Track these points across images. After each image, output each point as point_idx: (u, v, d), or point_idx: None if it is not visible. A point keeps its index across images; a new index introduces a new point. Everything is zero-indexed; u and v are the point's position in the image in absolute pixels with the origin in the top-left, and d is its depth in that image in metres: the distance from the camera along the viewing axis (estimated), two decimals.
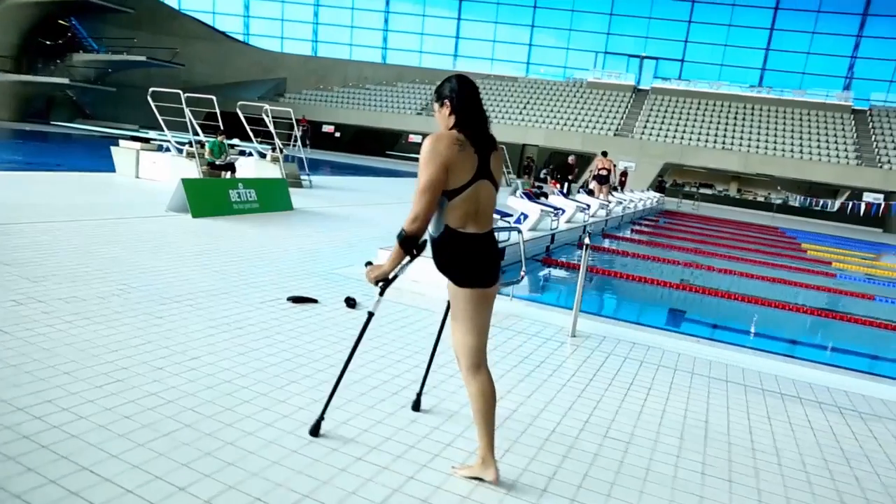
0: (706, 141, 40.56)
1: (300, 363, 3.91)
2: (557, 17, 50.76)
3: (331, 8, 52.51)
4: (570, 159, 17.66)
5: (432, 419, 3.38)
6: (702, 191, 39.90)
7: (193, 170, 12.81)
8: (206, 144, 12.96)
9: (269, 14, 53.28)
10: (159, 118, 13.22)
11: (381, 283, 2.76)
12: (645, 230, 17.11)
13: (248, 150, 16.21)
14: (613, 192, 18.06)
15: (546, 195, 23.76)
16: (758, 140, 40.03)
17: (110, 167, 13.86)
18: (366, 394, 3.59)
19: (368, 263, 2.85)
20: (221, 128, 13.29)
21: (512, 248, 8.90)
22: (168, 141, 13.43)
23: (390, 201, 15.41)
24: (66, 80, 35.43)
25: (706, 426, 3.80)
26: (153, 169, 13.53)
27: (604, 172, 17.21)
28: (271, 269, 6.45)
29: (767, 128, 40.94)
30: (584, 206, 13.67)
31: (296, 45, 53.11)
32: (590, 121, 43.35)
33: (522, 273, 6.58)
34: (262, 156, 15.45)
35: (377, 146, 45.94)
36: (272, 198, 10.44)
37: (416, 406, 3.44)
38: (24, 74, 35.53)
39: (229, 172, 12.90)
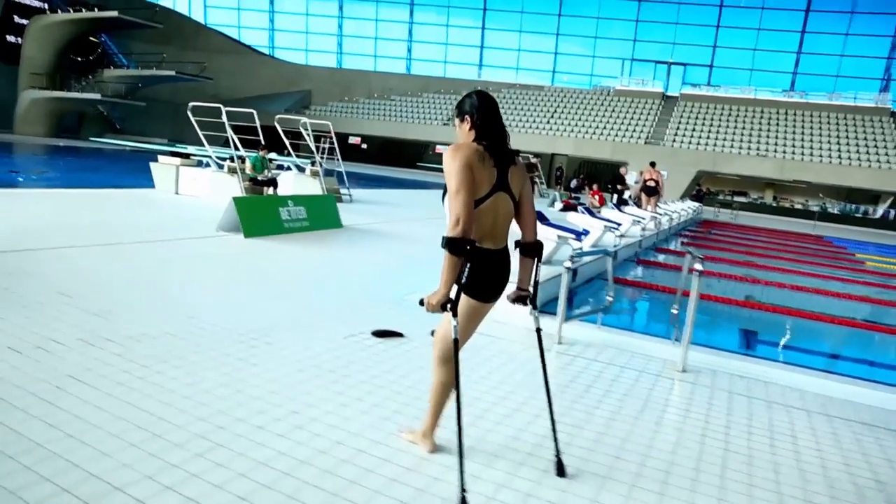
0: (740, 148, 39.70)
1: (412, 414, 3.43)
2: (583, 25, 50.30)
3: (355, 20, 52.58)
4: (622, 170, 17.07)
5: (586, 488, 2.88)
6: (736, 199, 38.99)
7: (235, 186, 12.48)
8: (248, 159, 12.62)
9: (293, 27, 53.48)
10: (199, 133, 12.94)
11: (448, 305, 2.56)
12: (700, 243, 16.46)
13: (286, 165, 15.89)
14: (660, 204, 17.44)
15: (585, 206, 23.40)
16: (793, 146, 39.08)
17: (147, 182, 13.60)
18: (497, 456, 3.09)
19: (421, 301, 2.62)
20: (262, 142, 12.96)
21: (583, 267, 8.45)
22: (208, 156, 13.13)
23: (433, 216, 14.94)
24: (97, 96, 35.68)
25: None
26: (193, 185, 13.24)
27: (651, 183, 16.61)
28: (341, 296, 6.01)
29: (803, 133, 39.99)
30: (639, 218, 13.10)
31: (320, 57, 53.24)
32: (619, 129, 42.70)
33: (610, 298, 6.09)
34: (301, 170, 15.11)
35: (403, 157, 45.72)
36: (321, 215, 10.04)
37: (560, 471, 2.95)
38: (57, 91, 35.83)
39: (272, 188, 12.56)
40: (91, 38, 42.63)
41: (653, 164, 16.98)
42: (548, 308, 5.92)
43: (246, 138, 13.18)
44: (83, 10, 37.59)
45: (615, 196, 16.97)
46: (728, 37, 48.46)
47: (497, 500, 2.66)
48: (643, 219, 13.46)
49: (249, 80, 49.85)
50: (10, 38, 38.68)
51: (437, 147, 43.74)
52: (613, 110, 44.94)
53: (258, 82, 49.97)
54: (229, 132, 12.88)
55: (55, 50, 37.24)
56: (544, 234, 8.05)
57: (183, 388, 3.43)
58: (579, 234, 9.52)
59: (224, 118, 12.51)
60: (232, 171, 12.59)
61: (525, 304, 2.88)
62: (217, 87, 46.52)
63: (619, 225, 11.41)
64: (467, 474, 2.62)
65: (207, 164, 13.43)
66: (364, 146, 45.36)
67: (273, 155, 13.67)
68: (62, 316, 4.44)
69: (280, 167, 15.95)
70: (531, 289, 2.86)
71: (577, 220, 10.51)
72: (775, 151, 38.98)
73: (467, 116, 2.69)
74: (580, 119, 44.23)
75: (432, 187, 27.36)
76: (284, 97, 49.03)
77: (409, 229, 11.85)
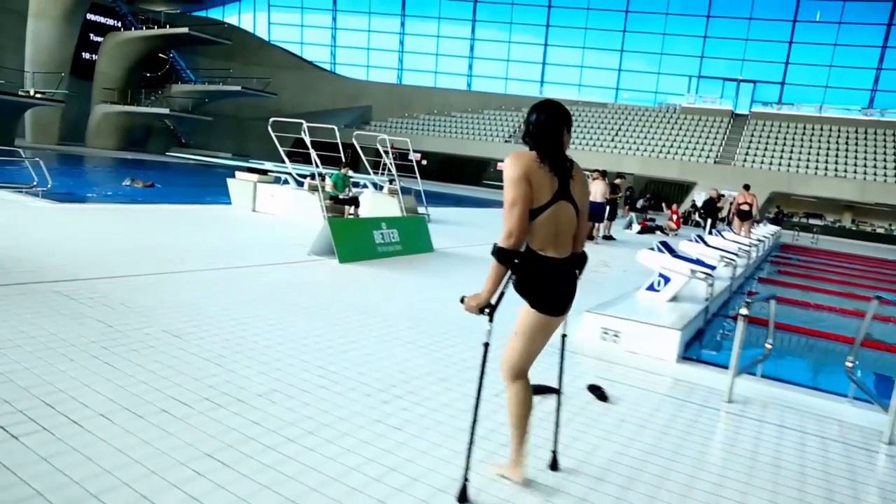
0: (815, 168, 37.79)
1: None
2: (648, 41, 49.04)
3: (416, 36, 52.61)
4: (714, 193, 16.01)
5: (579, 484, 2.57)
6: (811, 221, 37.03)
7: (315, 204, 12.01)
8: (330, 177, 12.16)
9: (354, 43, 53.84)
10: (280, 149, 12.55)
11: (486, 310, 2.59)
12: (788, 270, 15.26)
13: (362, 182, 15.42)
14: (753, 229, 16.29)
15: (661, 229, 22.32)
16: (874, 167, 36.97)
17: (221, 198, 13.29)
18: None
19: (462, 299, 2.63)
20: (343, 159, 12.49)
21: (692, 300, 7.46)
22: (288, 173, 12.73)
23: None
24: (166, 111, 36.43)
25: None
26: (271, 202, 12.86)
27: (746, 207, 15.54)
28: (466, 339, 5.32)
29: (885, 153, 37.79)
30: (747, 247, 11.97)
31: (381, 73, 53.38)
32: (686, 147, 41.27)
33: (769, 345, 5.19)
34: (378, 188, 14.61)
35: (464, 174, 45.22)
36: (414, 238, 9.43)
37: (554, 465, 3.07)
38: (128, 105, 36.71)
39: (353, 208, 12.06)
40: (160, 55, 43.76)
41: (747, 188, 15.90)
42: (692, 353, 5.11)
43: (296, 151, 12.73)
44: (155, 27, 38.54)
45: (709, 220, 15.91)
46: (801, 53, 46.51)
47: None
48: (750, 247, 12.40)
49: (311, 95, 50.28)
50: (86, 55, 39.93)
51: (499, 164, 43.09)
52: (680, 128, 43.52)
53: (319, 98, 50.35)
54: (311, 149, 12.45)
55: (127, 66, 38.30)
56: (675, 267, 7.19)
57: (346, 474, 2.76)
58: (713, 268, 8.48)
59: (305, 134, 12.08)
60: (313, 188, 12.13)
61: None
62: (279, 103, 47.05)
63: (737, 255, 10.38)
64: None
65: (286, 181, 13.04)
66: (424, 162, 45.06)
67: (351, 172, 13.17)
68: (177, 364, 3.87)
69: (355, 185, 15.50)
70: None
71: (691, 249, 9.57)
72: (855, 172, 36.95)
73: (527, 126, 2.68)
74: (645, 137, 42.95)
75: (500, 206, 26.65)
76: (345, 113, 49.24)
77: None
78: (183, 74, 45.74)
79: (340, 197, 12.00)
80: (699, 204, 33.17)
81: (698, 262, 7.36)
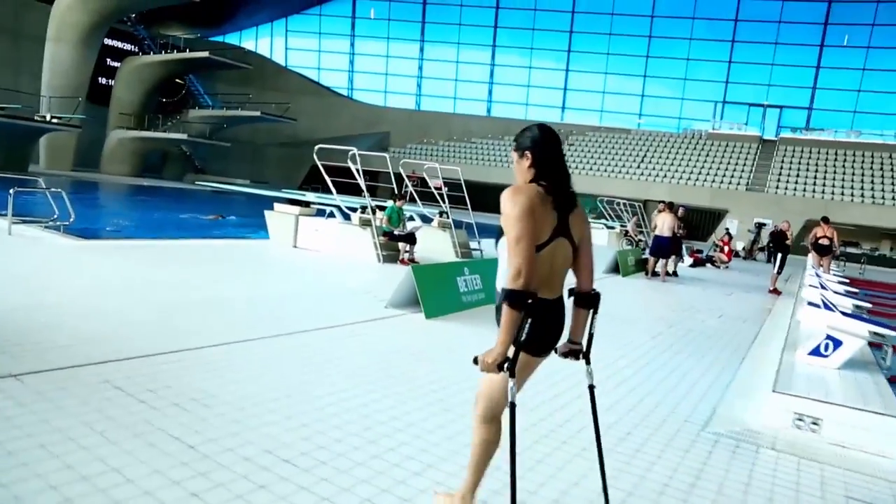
0: (852, 195, 36.53)
1: None
2: (671, 67, 48.16)
3: (435, 62, 51.92)
4: (785, 225, 14.68)
5: None
6: (849, 250, 35.56)
7: (367, 241, 10.78)
8: (385, 210, 10.91)
9: (372, 69, 53.18)
10: (327, 179, 11.34)
11: (505, 365, 2.30)
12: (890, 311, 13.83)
13: (407, 215, 14.17)
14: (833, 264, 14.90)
15: (713, 261, 20.97)
16: None
17: (254, 230, 12.07)
18: None
19: (475, 360, 2.35)
20: (397, 191, 11.27)
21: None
22: (335, 206, 11.51)
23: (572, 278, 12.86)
24: (184, 136, 35.53)
25: None
26: (315, 238, 11.60)
27: (825, 241, 14.15)
28: (632, 423, 3.99)
29: None
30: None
31: (399, 99, 52.61)
32: (716, 174, 40.08)
33: None
34: (427, 220, 13.36)
35: (486, 202, 44.00)
36: (495, 284, 8.12)
37: None
38: (144, 131, 35.86)
39: (409, 245, 10.79)
40: (177, 80, 43.08)
41: (825, 220, 14.51)
42: None
43: (341, 181, 11.52)
44: (174, 51, 37.87)
45: (779, 255, 14.55)
46: (829, 78, 45.49)
47: None
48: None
49: (328, 121, 49.47)
50: (102, 80, 39.24)
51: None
52: (707, 155, 42.37)
53: (337, 123, 49.52)
54: (360, 178, 11.23)
55: (144, 91, 37.55)
56: (849, 328, 5.86)
57: None
58: (816, 350, 7.11)
59: (357, 163, 10.88)
60: (365, 223, 10.88)
61: (577, 358, 2.64)
62: (295, 128, 46.26)
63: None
64: None
65: (331, 214, 11.82)
66: (445, 190, 43.93)
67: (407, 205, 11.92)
68: (291, 494, 2.57)
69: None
70: (584, 343, 2.62)
71: (814, 319, 8.19)
72: (893, 199, 35.63)
73: (527, 152, 2.47)
74: (672, 164, 41.81)
75: None
76: (363, 139, 48.30)
77: None
78: (200, 100, 44.99)
79: (395, 233, 10.75)
80: (733, 231, 31.97)
81: (875, 322, 6.04)
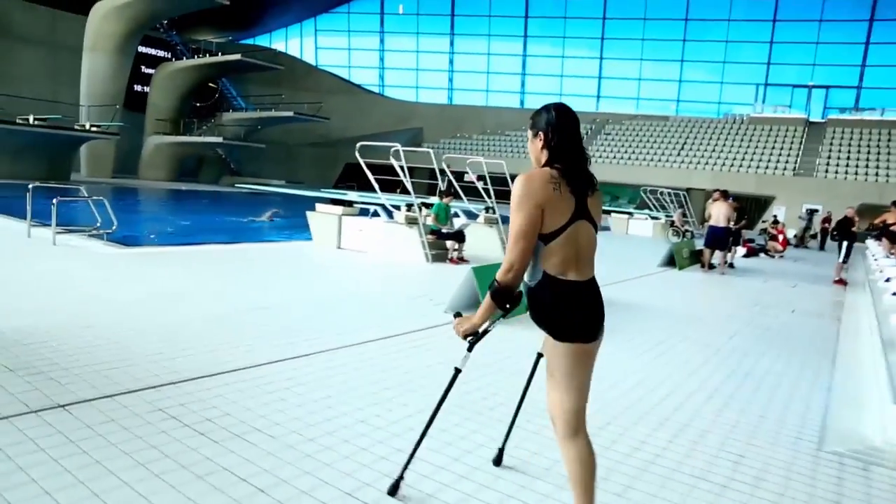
0: None
1: None
2: (709, 50, 46.73)
3: (466, 55, 51.35)
4: (850, 212, 13.80)
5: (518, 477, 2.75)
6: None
7: (415, 240, 10.38)
8: (431, 209, 10.50)
9: (403, 65, 52.87)
10: (371, 177, 10.96)
11: (470, 338, 2.47)
12: None
13: (451, 211, 13.74)
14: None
15: (766, 251, 20.08)
16: None
17: (296, 231, 11.77)
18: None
19: (457, 314, 2.55)
20: (443, 187, 10.84)
21: None
22: (380, 204, 11.14)
23: (641, 271, 12.27)
24: (219, 139, 35.62)
25: None
26: (359, 238, 11.25)
27: None
28: (741, 445, 3.48)
29: None
30: None
31: (431, 94, 52.21)
32: (760, 159, 38.73)
33: None
34: (472, 217, 12.92)
35: None
36: None
37: (498, 460, 3.12)
38: (180, 136, 36.09)
39: (457, 244, 10.36)
40: (210, 84, 43.31)
41: None
42: None
43: (380, 178, 11.10)
44: (207, 55, 38.02)
45: (845, 244, 13.70)
46: (880, 54, 43.55)
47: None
48: None
49: (360, 119, 49.33)
50: (138, 88, 39.64)
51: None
52: (751, 140, 40.98)
53: (369, 121, 49.36)
54: (405, 176, 10.83)
55: (178, 96, 37.79)
56: None
57: None
58: None
59: (402, 160, 10.48)
60: (411, 221, 10.48)
61: None
62: (327, 127, 46.19)
63: None
64: None
65: (375, 214, 11.45)
66: (480, 183, 43.43)
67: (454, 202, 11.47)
68: None
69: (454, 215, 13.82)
70: None
71: None
72: None
73: (541, 133, 2.40)
74: (714, 150, 40.54)
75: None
76: (395, 135, 47.74)
77: (638, 295, 9.25)
78: (234, 102, 45.21)
79: (444, 231, 10.33)
80: (781, 218, 30.78)
81: None
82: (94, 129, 28.48)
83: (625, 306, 8.09)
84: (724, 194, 13.81)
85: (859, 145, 38.36)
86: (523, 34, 50.01)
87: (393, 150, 11.17)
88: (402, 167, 10.71)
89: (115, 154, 34.20)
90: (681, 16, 46.34)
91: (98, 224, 10.42)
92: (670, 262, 13.43)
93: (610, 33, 48.34)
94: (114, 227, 10.30)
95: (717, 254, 13.46)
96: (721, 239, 13.25)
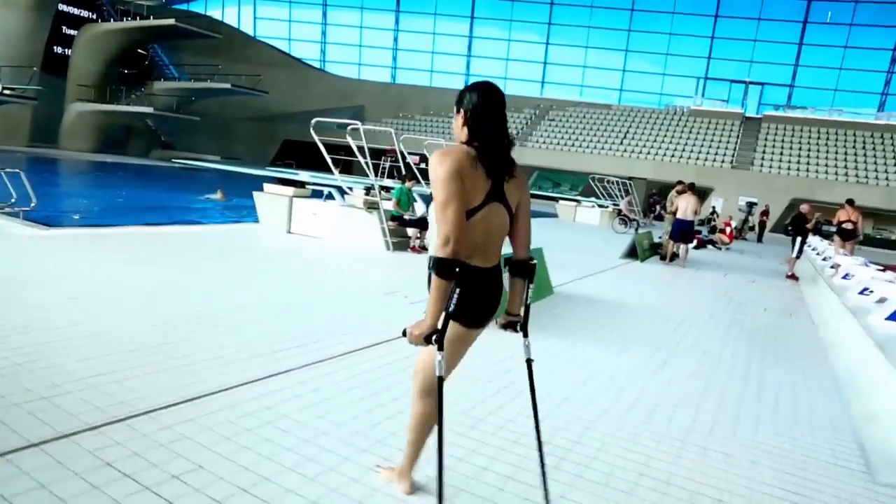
0: (836, 174, 36.33)
1: None
2: (653, 41, 47.25)
3: (411, 33, 50.16)
4: (804, 208, 13.85)
5: None
6: (827, 229, 35.41)
7: (374, 226, 9.62)
8: (393, 192, 9.74)
9: (346, 40, 51.20)
10: (327, 157, 10.09)
11: (434, 337, 2.17)
12: None
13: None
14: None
15: (714, 243, 20.25)
16: None
17: (239, 213, 10.82)
18: None
19: (404, 333, 2.24)
20: (404, 171, 10.09)
21: None
22: (335, 187, 10.29)
23: (612, 263, 11.88)
24: (150, 109, 33.43)
25: None
26: (313, 223, 10.38)
27: (849, 226, 13.45)
28: (785, 479, 3.01)
29: None
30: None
31: (374, 71, 50.81)
32: (700, 152, 39.48)
33: None
34: (428, 202, 12.20)
35: None
36: (539, 277, 7.06)
37: None
38: (107, 104, 33.65)
39: (419, 231, 9.65)
40: (140, 50, 40.61)
41: (850, 203, 13.79)
42: None
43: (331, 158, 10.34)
44: (137, 18, 35.54)
45: (798, 240, 13.75)
46: (811, 55, 45.13)
47: None
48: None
49: (300, 94, 47.56)
50: (58, 50, 36.75)
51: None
52: (691, 131, 41.74)
53: (310, 97, 47.66)
54: (363, 156, 10.03)
55: (104, 61, 35.24)
56: None
57: None
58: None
59: (361, 139, 9.66)
60: (371, 206, 9.69)
61: (515, 330, 2.51)
62: (266, 102, 44.34)
63: None
64: None
65: (329, 196, 10.58)
66: (423, 165, 42.61)
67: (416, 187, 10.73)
68: None
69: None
70: (522, 313, 2.49)
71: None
72: (877, 178, 35.53)
73: (463, 111, 2.31)
74: (656, 140, 41.03)
75: (546, 215, 24.49)
76: (336, 113, 46.40)
77: (614, 291, 8.80)
78: (166, 71, 42.62)
79: (406, 217, 9.59)
80: (718, 210, 31.43)
81: None
82: (7, 91, 26.07)
83: (605, 304, 7.60)
84: (691, 187, 13.61)
85: (791, 141, 39.63)
86: (470, 15, 49.24)
87: (350, 128, 10.36)
88: (362, 148, 9.92)
89: (32, 121, 31.63)
90: (627, 6, 46.61)
91: (13, 200, 9.18)
92: (631, 253, 13.17)
93: (557, 19, 48.17)
94: (32, 205, 9.09)
95: (682, 247, 13.28)
96: (688, 232, 13.07)
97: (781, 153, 38.67)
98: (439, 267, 2.13)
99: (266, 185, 11.11)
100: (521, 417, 3.60)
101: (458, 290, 2.20)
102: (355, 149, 10.16)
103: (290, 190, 10.71)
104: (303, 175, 11.40)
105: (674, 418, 3.98)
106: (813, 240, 16.56)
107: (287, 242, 9.67)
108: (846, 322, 8.20)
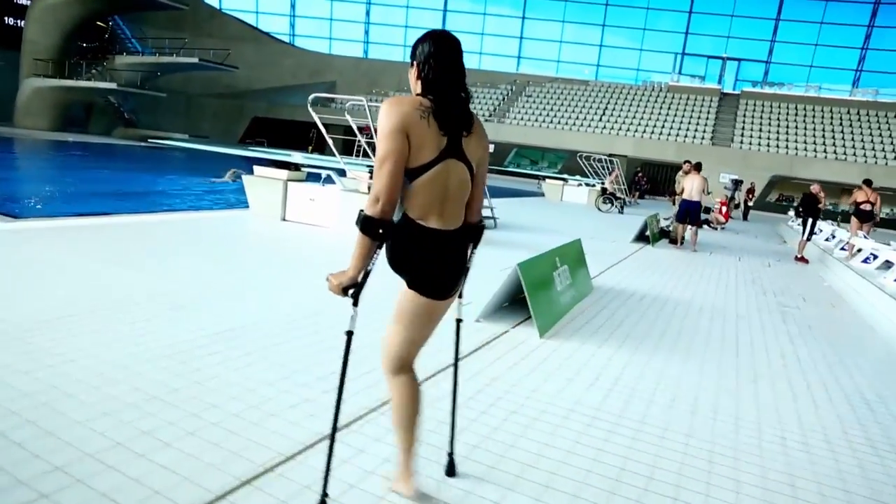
0: (815, 151, 36.36)
1: None
2: (631, 16, 46.60)
3: (383, 6, 48.65)
4: (814, 188, 13.33)
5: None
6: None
7: None
8: None
9: (316, 13, 49.44)
10: (327, 137, 9.16)
11: (351, 291, 2.10)
12: None
13: None
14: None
15: (709, 223, 19.80)
16: (873, 149, 35.77)
17: (224, 197, 9.87)
18: None
19: (326, 279, 2.15)
20: None
21: None
22: (334, 170, 9.38)
23: (611, 254, 11.19)
24: (113, 85, 31.63)
25: None
26: (309, 209, 9.49)
27: (867, 207, 12.97)
28: None
29: (891, 135, 36.52)
30: None
31: (345, 46, 49.24)
32: (679, 128, 39.16)
33: None
34: None
35: None
36: (579, 275, 6.34)
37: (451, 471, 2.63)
38: (65, 79, 31.75)
39: None
40: (99, 22, 38.42)
41: (868, 183, 13.28)
42: None
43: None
44: None
45: (810, 221, 13.28)
46: (788, 31, 45.03)
47: None
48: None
49: (269, 69, 45.89)
50: (10, 21, 34.56)
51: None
52: (669, 108, 41.36)
53: (279, 72, 46.02)
54: (359, 134, 9.15)
55: (61, 33, 33.20)
56: None
57: None
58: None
59: (368, 115, 8.77)
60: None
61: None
62: (233, 77, 42.65)
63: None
64: None
65: (328, 180, 9.68)
66: None
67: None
68: None
69: None
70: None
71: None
72: (854, 155, 35.68)
73: (415, 63, 2.15)
74: (635, 117, 40.56)
75: (529, 194, 23.79)
76: (307, 89, 44.87)
77: (646, 283, 8.13)
78: (128, 45, 40.50)
79: None
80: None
81: None
82: None
83: (645, 299, 6.89)
84: (697, 167, 13.01)
85: (770, 118, 39.56)
86: None
87: (349, 104, 9.45)
88: (359, 127, 9.04)
89: None
90: None
91: None
92: (642, 237, 12.59)
93: None
94: None
95: (689, 229, 12.72)
96: (695, 213, 12.51)
97: (760, 130, 38.58)
98: (364, 223, 2.01)
99: (257, 168, 10.15)
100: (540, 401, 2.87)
101: (415, 257, 2.10)
102: (355, 128, 9.26)
103: (283, 173, 9.76)
104: (296, 157, 10.40)
105: (821, 461, 3.28)
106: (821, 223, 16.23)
107: (285, 232, 8.76)
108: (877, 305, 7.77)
